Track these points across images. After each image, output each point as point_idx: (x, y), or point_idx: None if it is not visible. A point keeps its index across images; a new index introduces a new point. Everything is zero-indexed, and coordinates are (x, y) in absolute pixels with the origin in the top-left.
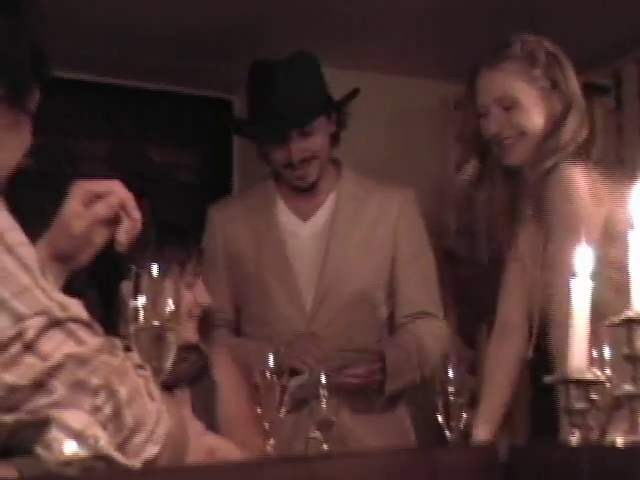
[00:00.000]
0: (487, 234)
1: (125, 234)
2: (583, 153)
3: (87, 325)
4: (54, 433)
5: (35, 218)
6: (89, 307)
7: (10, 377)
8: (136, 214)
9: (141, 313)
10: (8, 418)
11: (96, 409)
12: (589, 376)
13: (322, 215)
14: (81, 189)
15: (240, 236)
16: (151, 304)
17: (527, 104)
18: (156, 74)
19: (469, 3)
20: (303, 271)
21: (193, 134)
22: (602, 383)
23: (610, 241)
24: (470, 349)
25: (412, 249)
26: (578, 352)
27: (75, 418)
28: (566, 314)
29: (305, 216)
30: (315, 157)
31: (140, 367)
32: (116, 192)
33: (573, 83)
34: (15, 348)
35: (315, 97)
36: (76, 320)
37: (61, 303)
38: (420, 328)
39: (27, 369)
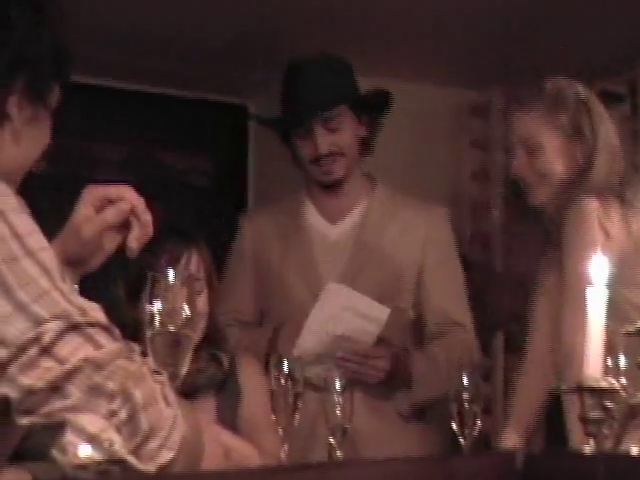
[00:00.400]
0: (502, 241)
1: (136, 240)
2: (613, 193)
3: (105, 329)
4: (69, 436)
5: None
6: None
7: (27, 380)
8: (147, 220)
9: (157, 318)
10: (24, 421)
11: (112, 413)
12: (604, 384)
13: (351, 219)
14: (91, 194)
15: (267, 238)
16: (167, 309)
17: (550, 149)
18: (172, 79)
19: (483, 11)
20: (328, 272)
21: (208, 139)
22: (617, 392)
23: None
24: (485, 356)
25: (441, 259)
26: (593, 360)
27: (90, 422)
28: (579, 322)
29: (333, 219)
30: (341, 154)
31: (157, 372)
32: (127, 197)
33: (603, 128)
34: (33, 351)
35: (339, 86)
36: (94, 324)
37: (80, 307)
38: (450, 340)
39: (44, 372)
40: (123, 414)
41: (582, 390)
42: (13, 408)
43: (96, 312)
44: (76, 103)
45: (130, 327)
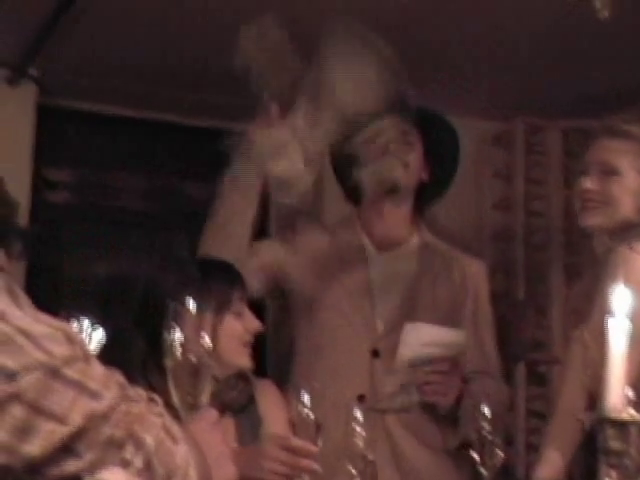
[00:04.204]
0: (524, 270)
1: None
2: None
3: (85, 358)
4: None
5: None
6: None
7: (30, 447)
8: None
9: (178, 348)
10: None
11: (126, 463)
12: (625, 416)
13: (400, 252)
14: None
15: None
16: (188, 339)
17: (625, 177)
18: (194, 109)
19: (505, 43)
20: (376, 299)
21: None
22: (638, 423)
23: None
24: (507, 386)
25: (477, 311)
26: (615, 391)
27: (111, 477)
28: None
29: (382, 247)
30: (407, 166)
31: (151, 400)
32: None
33: None
34: (18, 411)
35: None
36: (71, 360)
37: (50, 351)
38: (481, 388)
39: (47, 436)
40: (138, 462)
41: (604, 422)
42: (16, 477)
43: (60, 346)
44: (98, 134)
45: (136, 357)
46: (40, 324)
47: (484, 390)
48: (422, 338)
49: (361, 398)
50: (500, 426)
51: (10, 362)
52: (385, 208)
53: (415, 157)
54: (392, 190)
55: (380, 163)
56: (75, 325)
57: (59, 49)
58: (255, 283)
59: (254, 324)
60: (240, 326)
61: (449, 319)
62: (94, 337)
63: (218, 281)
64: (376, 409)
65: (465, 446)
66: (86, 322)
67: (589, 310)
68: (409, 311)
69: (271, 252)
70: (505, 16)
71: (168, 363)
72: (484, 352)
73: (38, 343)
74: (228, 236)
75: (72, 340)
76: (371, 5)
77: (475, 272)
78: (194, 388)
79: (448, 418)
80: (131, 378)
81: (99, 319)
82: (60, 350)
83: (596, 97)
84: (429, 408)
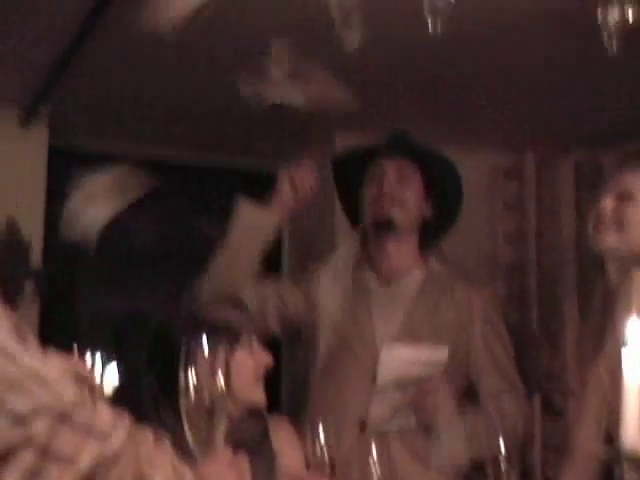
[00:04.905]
0: (537, 302)
1: None
2: None
3: (93, 400)
4: None
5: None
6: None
7: None
8: None
9: (192, 388)
10: None
11: None
12: None
13: (404, 284)
14: None
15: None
16: (202, 379)
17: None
18: (207, 148)
19: (515, 77)
20: (376, 325)
21: None
22: None
23: None
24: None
25: (485, 331)
26: (631, 425)
27: None
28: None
29: (386, 281)
30: (402, 205)
31: (159, 440)
32: None
33: None
34: (29, 456)
35: (415, 145)
36: (80, 403)
37: (59, 394)
38: (497, 409)
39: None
40: None
41: (620, 456)
42: None
43: (69, 388)
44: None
45: (149, 395)
46: (48, 365)
47: (500, 411)
48: (402, 358)
49: (362, 425)
50: (516, 450)
51: (20, 405)
52: (387, 244)
53: (412, 194)
54: (389, 229)
55: (375, 203)
56: (88, 360)
57: (70, 90)
58: (267, 320)
59: (265, 358)
60: (251, 361)
61: (453, 341)
62: (107, 372)
63: (227, 322)
64: (375, 432)
65: (476, 468)
66: (99, 357)
67: (603, 341)
68: (409, 335)
69: (280, 289)
70: (516, 49)
71: (182, 403)
72: (500, 371)
73: (47, 385)
74: (237, 270)
75: (80, 381)
76: (387, 42)
77: (483, 293)
78: (209, 428)
79: (453, 438)
80: (144, 416)
81: (112, 355)
82: (69, 393)
83: (607, 129)
84: (428, 428)
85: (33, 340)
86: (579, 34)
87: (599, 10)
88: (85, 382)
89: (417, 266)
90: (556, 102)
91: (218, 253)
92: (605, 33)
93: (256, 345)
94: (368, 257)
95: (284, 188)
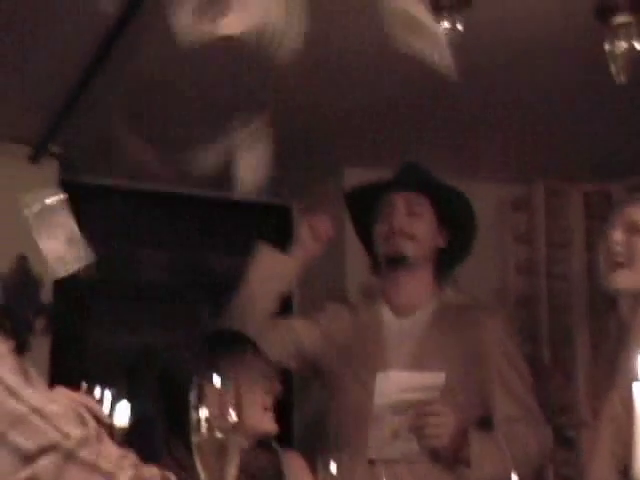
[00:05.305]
0: (549, 334)
1: None
2: None
3: (99, 438)
4: None
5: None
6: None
7: None
8: None
9: (204, 424)
10: None
11: None
12: None
13: (416, 315)
14: None
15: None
16: (214, 415)
17: None
18: (216, 182)
19: (523, 109)
20: (387, 358)
21: (252, 241)
22: None
23: None
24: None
25: (499, 357)
26: None
27: None
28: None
29: (400, 314)
30: (413, 238)
31: (165, 478)
32: None
33: None
34: None
35: (424, 177)
36: (86, 441)
37: (65, 433)
38: (508, 435)
39: None
40: None
41: None
42: None
43: (75, 427)
44: (121, 208)
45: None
46: (54, 403)
47: (511, 437)
48: (398, 385)
49: (371, 461)
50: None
51: (26, 443)
52: (400, 278)
53: (424, 227)
54: (401, 263)
55: (387, 238)
56: (98, 396)
57: (79, 125)
58: (285, 361)
59: (272, 387)
60: (259, 390)
61: (465, 371)
62: (117, 409)
63: (230, 356)
64: (380, 460)
65: None
66: (109, 393)
67: (616, 372)
68: (419, 367)
69: (296, 327)
70: (525, 81)
71: (194, 440)
72: (513, 397)
73: (53, 423)
74: (252, 316)
75: (86, 420)
76: (394, 75)
77: (497, 321)
78: (221, 464)
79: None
80: (154, 453)
81: (123, 391)
82: (75, 431)
83: (616, 160)
84: (434, 455)
85: (38, 377)
86: (588, 66)
87: (606, 41)
88: (89, 421)
89: (431, 297)
90: (565, 133)
91: (235, 298)
92: (612, 64)
93: (262, 376)
94: (382, 289)
95: (305, 237)
